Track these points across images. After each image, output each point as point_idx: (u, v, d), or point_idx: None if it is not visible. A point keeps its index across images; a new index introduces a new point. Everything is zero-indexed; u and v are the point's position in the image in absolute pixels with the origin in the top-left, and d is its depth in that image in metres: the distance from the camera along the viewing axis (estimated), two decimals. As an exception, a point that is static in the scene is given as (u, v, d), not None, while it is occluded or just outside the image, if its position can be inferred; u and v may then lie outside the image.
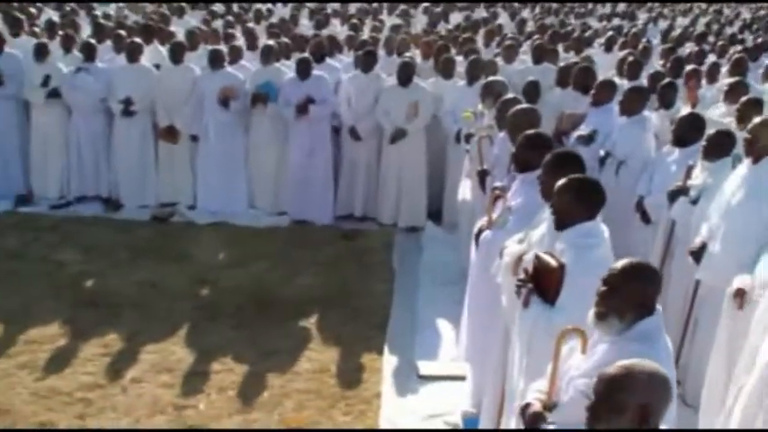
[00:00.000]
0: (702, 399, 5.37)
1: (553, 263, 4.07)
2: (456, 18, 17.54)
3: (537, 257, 4.21)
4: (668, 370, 3.33)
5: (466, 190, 7.98)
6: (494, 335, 5.16)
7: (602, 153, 7.47)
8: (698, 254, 5.56)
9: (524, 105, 6.53)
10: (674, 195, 6.23)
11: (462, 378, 6.37)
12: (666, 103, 8.38)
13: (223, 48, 10.06)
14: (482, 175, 6.92)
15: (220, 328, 7.02)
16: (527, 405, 3.48)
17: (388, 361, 6.59)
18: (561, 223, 4.23)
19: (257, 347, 6.70)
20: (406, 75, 9.33)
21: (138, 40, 10.00)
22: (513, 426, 4.31)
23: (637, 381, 2.74)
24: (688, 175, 6.24)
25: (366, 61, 9.63)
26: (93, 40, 10.12)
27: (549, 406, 3.44)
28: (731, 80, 8.85)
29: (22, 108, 9.92)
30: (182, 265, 8.23)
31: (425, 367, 6.54)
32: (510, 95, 7.19)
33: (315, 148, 9.49)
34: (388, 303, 7.58)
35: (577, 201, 4.19)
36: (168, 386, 6.12)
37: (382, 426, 5.69)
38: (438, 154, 9.76)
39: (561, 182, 4.24)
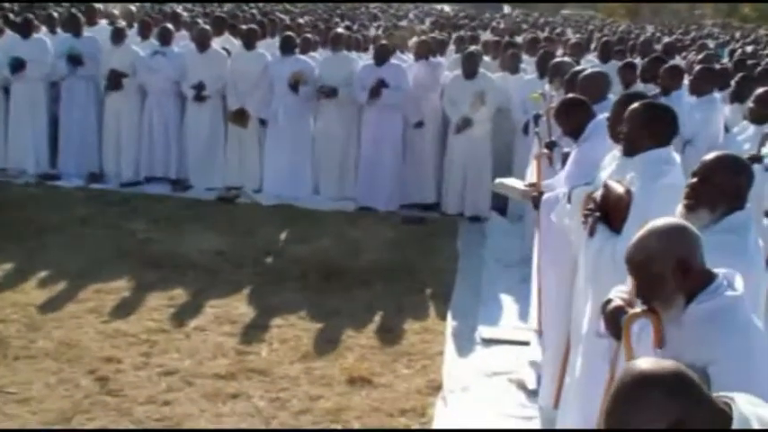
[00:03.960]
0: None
1: (620, 189, 4.00)
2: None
3: (605, 185, 4.15)
4: (757, 264, 3.25)
5: (534, 172, 7.91)
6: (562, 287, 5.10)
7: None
8: (774, 212, 5.45)
9: (595, 69, 6.48)
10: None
11: (526, 343, 6.30)
12: (740, 97, 8.26)
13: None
14: (550, 147, 6.86)
15: (284, 292, 7.04)
16: (608, 301, 3.41)
17: (451, 325, 6.55)
18: (632, 149, 4.15)
19: (320, 309, 6.70)
20: (471, 66, 9.37)
21: (206, 27, 10.20)
22: (579, 356, 4.25)
23: (654, 242, 2.69)
24: (762, 143, 6.14)
25: (420, 49, 9.86)
26: (170, 26, 10.35)
27: (631, 303, 3.36)
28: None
29: (99, 89, 10.14)
30: (246, 238, 8.31)
31: (488, 332, 6.48)
32: (578, 67, 7.15)
33: (385, 137, 9.56)
34: (452, 280, 7.54)
35: (651, 125, 4.07)
36: (231, 335, 6.16)
37: (445, 382, 5.63)
38: (505, 148, 9.73)
39: (634, 106, 4.17)
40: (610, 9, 49.01)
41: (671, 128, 4.18)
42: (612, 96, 6.30)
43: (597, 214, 4.12)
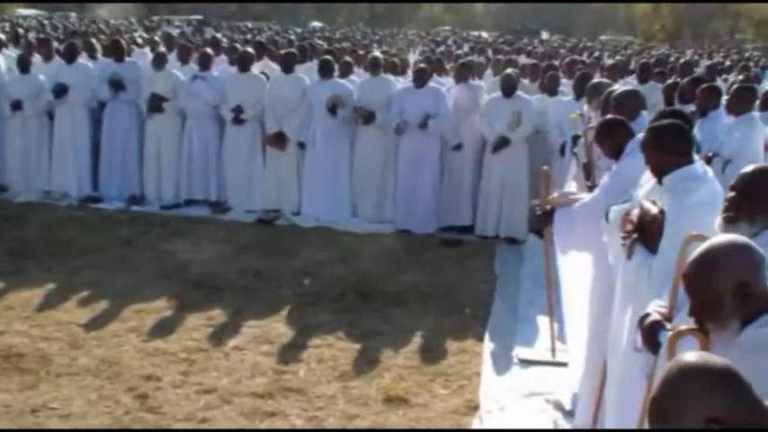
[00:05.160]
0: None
1: (654, 210, 4.00)
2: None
3: (640, 206, 4.15)
4: None
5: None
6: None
7: (709, 154, 7.33)
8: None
9: (627, 87, 6.47)
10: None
11: (563, 364, 6.27)
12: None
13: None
14: (587, 168, 6.84)
15: (321, 312, 7.08)
16: (645, 315, 3.39)
17: (489, 346, 6.54)
18: (658, 174, 4.14)
19: (358, 329, 6.72)
20: (509, 86, 9.42)
21: (249, 50, 10.34)
22: (615, 372, 4.23)
23: (714, 261, 2.49)
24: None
25: (461, 72, 9.83)
26: (209, 50, 10.51)
27: (669, 318, 3.34)
28: None
29: (140, 114, 10.31)
30: (285, 260, 8.38)
31: (525, 353, 6.46)
32: (612, 87, 7.13)
33: (423, 160, 9.59)
34: (489, 301, 7.53)
35: (664, 148, 4.06)
36: (269, 354, 6.19)
37: (482, 402, 5.61)
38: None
39: (643, 134, 4.18)
40: (648, 34, 48.85)
41: (683, 142, 4.12)
42: (646, 113, 6.31)
43: (635, 236, 4.11)
